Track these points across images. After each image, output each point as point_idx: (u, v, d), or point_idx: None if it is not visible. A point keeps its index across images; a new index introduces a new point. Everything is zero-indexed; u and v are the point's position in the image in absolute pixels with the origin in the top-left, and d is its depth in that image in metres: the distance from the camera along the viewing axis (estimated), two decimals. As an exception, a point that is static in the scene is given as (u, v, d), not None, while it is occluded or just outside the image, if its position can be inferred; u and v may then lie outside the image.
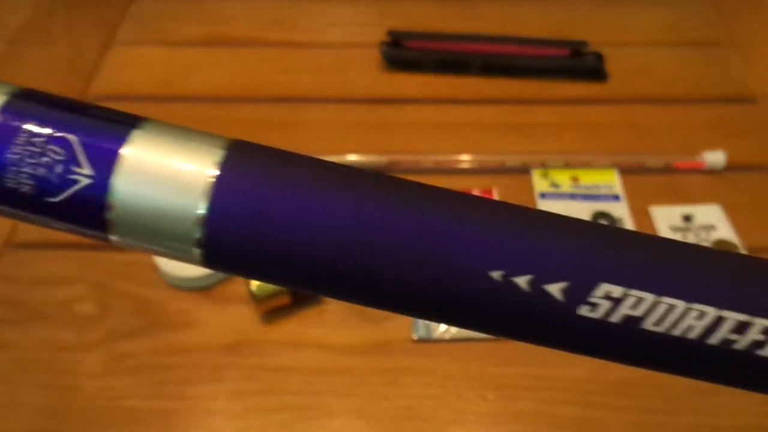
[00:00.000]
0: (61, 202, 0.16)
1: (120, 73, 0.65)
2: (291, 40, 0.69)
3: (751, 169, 0.57)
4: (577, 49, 0.64)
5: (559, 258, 0.16)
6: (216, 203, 0.15)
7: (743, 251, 0.50)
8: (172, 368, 0.44)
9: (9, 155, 0.15)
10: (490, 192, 0.55)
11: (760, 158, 0.58)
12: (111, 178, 0.15)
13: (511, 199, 0.61)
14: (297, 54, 0.67)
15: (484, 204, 0.17)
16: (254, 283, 0.45)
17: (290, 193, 0.16)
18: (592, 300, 0.16)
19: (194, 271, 0.48)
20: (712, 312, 0.16)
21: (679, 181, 0.56)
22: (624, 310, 0.16)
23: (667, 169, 0.56)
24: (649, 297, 0.16)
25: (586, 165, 0.57)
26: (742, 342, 0.16)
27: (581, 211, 0.53)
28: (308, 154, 0.16)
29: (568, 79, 0.64)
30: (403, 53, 0.65)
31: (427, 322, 0.46)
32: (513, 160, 0.56)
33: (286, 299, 0.46)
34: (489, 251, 0.16)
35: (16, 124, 0.16)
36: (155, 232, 0.16)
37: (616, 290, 0.16)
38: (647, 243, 0.17)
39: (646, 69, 0.66)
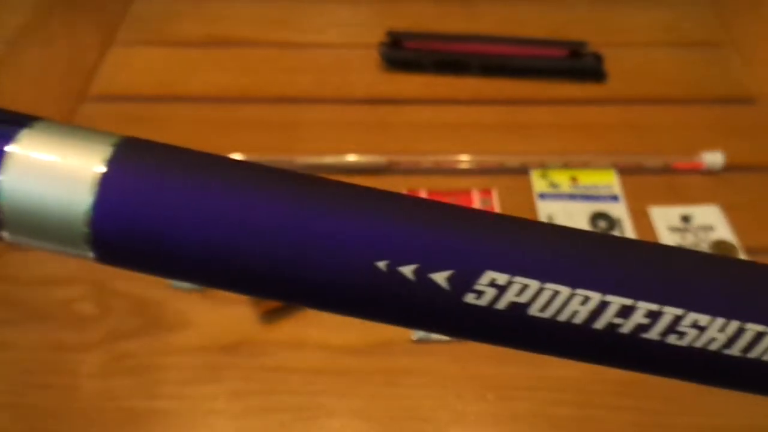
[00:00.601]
0: None
1: (119, 74, 0.65)
2: (290, 41, 0.69)
3: (750, 170, 0.57)
4: (576, 49, 0.64)
5: (444, 247, 0.16)
6: (101, 199, 0.15)
7: (742, 252, 0.51)
8: (171, 368, 0.44)
9: None
10: (489, 192, 0.55)
11: (759, 159, 0.58)
12: None
13: (511, 200, 0.61)
14: (296, 54, 0.67)
15: (369, 194, 0.17)
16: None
17: (175, 187, 0.16)
18: (478, 288, 0.16)
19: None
20: (596, 297, 0.16)
21: (678, 182, 0.56)
22: (509, 297, 0.16)
23: (666, 170, 0.57)
24: (533, 284, 0.16)
25: (585, 165, 0.57)
26: (627, 326, 0.16)
27: (580, 211, 0.53)
28: (208, 151, 0.16)
29: (567, 79, 0.64)
30: (403, 53, 0.65)
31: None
32: (512, 161, 0.57)
33: (285, 299, 0.46)
34: (373, 241, 0.16)
35: None
36: (46, 230, 0.16)
37: (501, 277, 0.16)
38: (531, 230, 0.17)
39: (645, 69, 0.66)
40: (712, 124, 0.61)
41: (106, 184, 0.15)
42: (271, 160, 0.56)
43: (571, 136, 0.60)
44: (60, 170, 0.15)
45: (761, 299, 0.16)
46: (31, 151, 0.15)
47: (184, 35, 0.69)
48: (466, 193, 0.55)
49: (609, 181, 0.56)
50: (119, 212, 0.15)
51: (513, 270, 0.16)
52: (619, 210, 0.54)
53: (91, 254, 0.16)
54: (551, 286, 0.16)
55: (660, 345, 0.16)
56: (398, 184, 0.55)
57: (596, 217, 0.53)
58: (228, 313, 0.47)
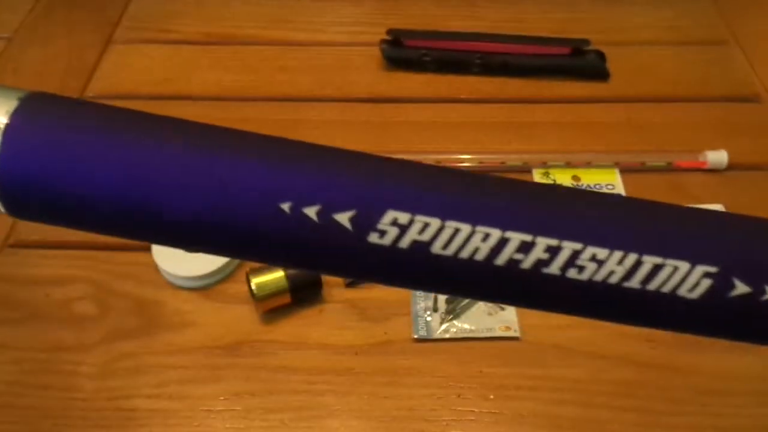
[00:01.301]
0: None
1: (119, 72, 0.65)
2: (291, 39, 0.69)
3: (754, 169, 0.57)
4: (578, 47, 0.64)
5: (346, 187, 0.16)
6: (4, 150, 0.15)
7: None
8: (171, 368, 0.44)
9: None
10: (491, 191, 0.55)
11: (763, 158, 0.58)
12: None
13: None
14: (297, 53, 0.67)
15: (273, 141, 0.17)
16: (255, 283, 0.45)
17: (78, 139, 0.16)
18: (381, 227, 0.16)
19: (194, 270, 0.48)
20: (496, 233, 0.16)
21: (681, 181, 0.56)
22: (412, 235, 0.16)
23: (669, 169, 0.56)
24: (435, 221, 0.16)
25: (588, 164, 0.56)
26: (528, 261, 0.16)
27: (582, 210, 0.53)
28: (109, 104, 0.16)
29: (569, 77, 0.64)
30: (404, 52, 0.65)
31: (428, 321, 0.46)
32: (514, 160, 0.56)
33: (286, 299, 0.46)
34: (277, 184, 0.16)
35: None
36: None
37: (403, 216, 0.16)
38: (432, 172, 0.18)
39: (648, 68, 0.66)
40: (715, 122, 0.61)
41: (8, 135, 0.15)
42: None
43: (573, 135, 0.59)
44: None
45: (658, 231, 0.17)
46: None
47: (183, 33, 0.69)
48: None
49: (611, 179, 0.55)
50: (23, 163, 0.15)
51: (414, 209, 0.16)
52: (621, 209, 0.53)
53: (1, 207, 0.16)
54: (452, 224, 0.16)
55: (561, 280, 0.16)
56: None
57: (598, 216, 0.53)
58: (228, 313, 0.47)
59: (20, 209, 0.16)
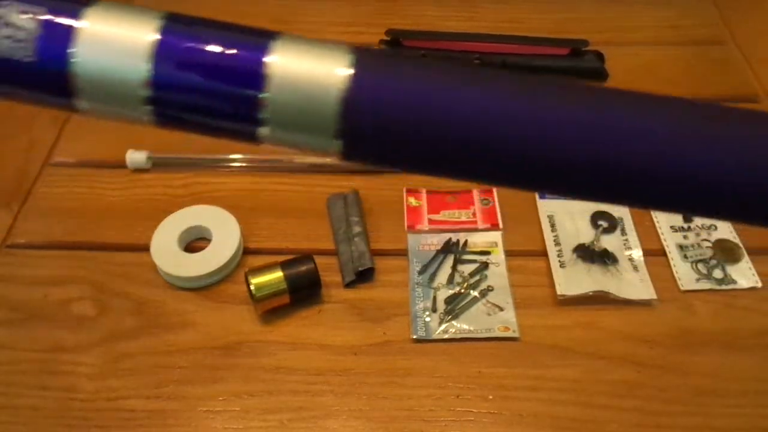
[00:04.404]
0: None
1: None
2: (290, 39, 0.69)
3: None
4: (577, 47, 0.64)
5: None
6: (354, 94, 0.17)
7: (744, 251, 0.50)
8: (170, 369, 0.44)
9: None
10: (490, 192, 0.55)
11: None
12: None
13: (512, 200, 0.60)
14: (296, 53, 0.67)
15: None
16: (253, 284, 0.45)
17: (421, 88, 0.17)
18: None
19: (193, 271, 0.48)
20: None
21: (680, 181, 0.56)
22: None
23: (668, 169, 0.56)
24: None
25: (587, 164, 0.56)
26: None
27: (581, 210, 0.53)
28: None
29: (568, 78, 0.64)
30: (402, 52, 0.65)
31: (427, 321, 0.46)
32: (513, 160, 0.56)
33: (285, 299, 0.46)
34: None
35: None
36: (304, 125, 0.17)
37: None
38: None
39: (647, 68, 0.66)
40: (713, 122, 0.61)
41: (356, 82, 0.17)
42: (270, 160, 0.56)
43: (572, 135, 0.59)
44: (313, 71, 0.17)
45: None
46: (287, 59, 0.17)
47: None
48: (467, 192, 0.54)
49: (610, 180, 0.55)
50: (370, 106, 0.17)
51: None
52: (620, 209, 0.53)
53: (336, 145, 0.17)
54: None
55: None
56: (398, 183, 0.55)
57: (597, 216, 0.53)
58: (227, 314, 0.47)
59: (363, 143, 0.18)
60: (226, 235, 0.50)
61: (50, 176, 0.56)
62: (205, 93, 0.17)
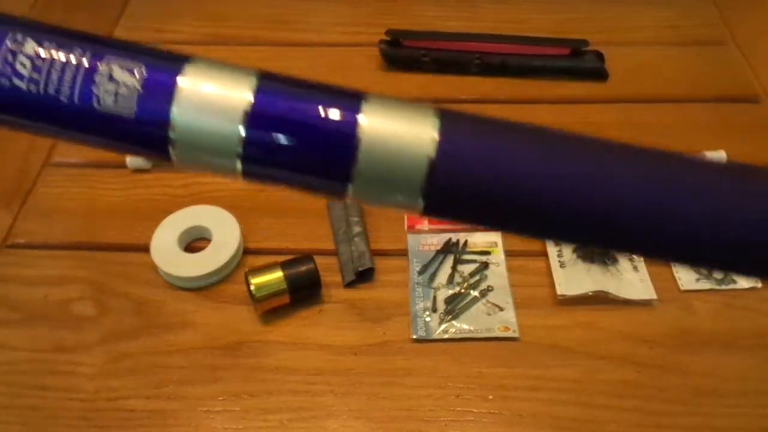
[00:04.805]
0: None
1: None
2: (290, 39, 0.69)
3: (752, 169, 0.57)
4: (577, 47, 0.64)
5: None
6: (442, 157, 0.18)
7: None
8: (170, 368, 0.44)
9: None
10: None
11: (763, 158, 0.58)
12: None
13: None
14: (296, 53, 0.67)
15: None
16: (253, 284, 0.45)
17: (506, 149, 0.18)
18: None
19: (193, 271, 0.48)
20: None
21: (680, 181, 0.56)
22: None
23: (668, 169, 0.56)
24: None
25: (587, 164, 0.56)
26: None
27: (581, 210, 0.53)
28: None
29: (568, 78, 0.64)
30: (402, 52, 0.65)
31: (427, 321, 0.46)
32: (513, 160, 0.56)
33: (285, 299, 0.46)
34: None
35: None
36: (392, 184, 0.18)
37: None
38: None
39: (647, 68, 0.66)
40: (714, 123, 0.61)
41: (443, 145, 0.18)
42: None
43: (572, 135, 0.59)
44: (401, 134, 0.18)
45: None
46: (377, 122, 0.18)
47: (182, 33, 0.69)
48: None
49: (610, 180, 0.55)
50: (455, 169, 0.18)
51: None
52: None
53: (420, 204, 0.18)
54: None
55: None
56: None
57: (597, 216, 0.53)
58: (228, 313, 0.47)
59: (446, 202, 0.18)
60: (226, 235, 0.50)
61: (50, 176, 0.56)
62: (297, 152, 0.18)
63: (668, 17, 0.71)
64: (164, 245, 0.49)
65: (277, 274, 0.46)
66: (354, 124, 0.18)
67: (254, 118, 0.17)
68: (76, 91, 0.17)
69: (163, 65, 0.18)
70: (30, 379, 0.44)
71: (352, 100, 0.18)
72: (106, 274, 0.49)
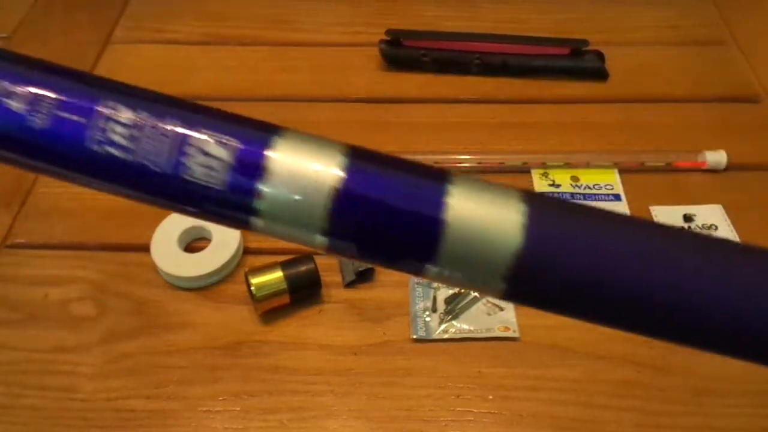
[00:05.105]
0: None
1: (117, 72, 0.65)
2: (290, 39, 0.69)
3: (753, 169, 0.57)
4: (577, 47, 0.64)
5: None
6: (531, 242, 0.18)
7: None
8: (170, 369, 0.44)
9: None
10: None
11: (763, 158, 0.58)
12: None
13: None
14: (296, 53, 0.67)
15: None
16: (254, 283, 0.45)
17: (593, 237, 0.18)
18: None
19: (193, 271, 0.48)
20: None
21: (680, 181, 0.56)
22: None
23: (668, 169, 0.56)
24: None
25: (587, 164, 0.56)
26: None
27: (581, 210, 0.53)
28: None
29: (568, 78, 0.64)
30: (402, 52, 0.65)
31: (427, 321, 0.46)
32: (513, 160, 0.56)
33: (285, 299, 0.46)
34: None
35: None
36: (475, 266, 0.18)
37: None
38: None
39: (647, 68, 0.66)
40: (714, 122, 0.61)
41: (532, 229, 0.18)
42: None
43: (573, 135, 0.59)
44: (488, 219, 0.18)
45: None
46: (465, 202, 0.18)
47: (182, 33, 0.69)
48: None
49: (610, 180, 0.56)
50: (542, 258, 0.18)
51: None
52: (621, 209, 0.53)
53: (502, 287, 0.18)
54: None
55: None
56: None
57: (597, 216, 0.53)
58: (228, 313, 0.47)
59: (530, 290, 0.18)
60: (226, 235, 0.50)
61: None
62: (381, 232, 0.18)
63: (668, 17, 0.71)
64: (164, 245, 0.49)
65: (277, 274, 0.46)
66: (441, 207, 0.18)
67: (342, 195, 0.18)
68: (168, 161, 0.17)
69: (255, 138, 0.18)
70: (30, 379, 0.44)
71: (439, 181, 0.18)
72: (106, 274, 0.49)
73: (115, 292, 0.48)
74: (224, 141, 0.17)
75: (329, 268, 0.49)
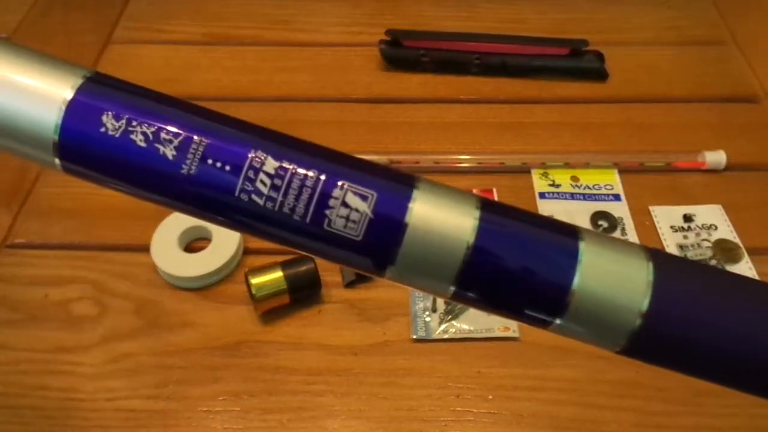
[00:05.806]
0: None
1: (117, 73, 0.64)
2: (290, 39, 0.69)
3: (752, 169, 0.57)
4: (577, 47, 0.64)
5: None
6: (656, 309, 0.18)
7: (744, 251, 0.50)
8: (170, 369, 0.44)
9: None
10: (490, 192, 0.55)
11: (762, 158, 0.58)
12: None
13: (511, 199, 0.61)
14: (296, 53, 0.67)
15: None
16: (253, 284, 0.45)
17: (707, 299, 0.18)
18: None
19: (193, 271, 0.48)
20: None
21: (680, 181, 0.56)
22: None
23: (668, 169, 0.56)
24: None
25: (586, 165, 0.56)
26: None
27: (581, 210, 0.53)
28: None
29: (568, 78, 0.64)
30: (402, 52, 0.65)
31: (427, 321, 0.46)
32: (513, 160, 0.56)
33: (284, 299, 0.46)
34: None
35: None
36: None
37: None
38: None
39: (647, 68, 0.66)
40: (714, 123, 0.61)
41: (657, 293, 0.18)
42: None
43: (572, 135, 0.59)
44: (617, 279, 0.18)
45: None
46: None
47: (182, 33, 0.69)
48: (467, 192, 0.54)
49: (610, 180, 0.56)
50: (666, 319, 0.18)
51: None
52: (620, 209, 0.53)
53: (622, 344, 0.19)
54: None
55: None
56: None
57: (597, 216, 0.53)
58: (228, 313, 0.47)
59: (651, 350, 0.19)
60: (226, 235, 0.50)
61: (50, 176, 0.56)
62: (511, 288, 0.18)
63: (668, 17, 0.71)
64: (164, 245, 0.49)
65: (277, 274, 0.46)
66: (572, 268, 0.18)
67: (475, 249, 0.18)
68: (310, 212, 0.18)
69: (393, 191, 0.18)
70: (30, 379, 0.44)
71: (571, 239, 0.18)
72: (106, 274, 0.49)
73: (115, 292, 0.48)
74: (365, 195, 0.18)
75: (329, 268, 0.49)
